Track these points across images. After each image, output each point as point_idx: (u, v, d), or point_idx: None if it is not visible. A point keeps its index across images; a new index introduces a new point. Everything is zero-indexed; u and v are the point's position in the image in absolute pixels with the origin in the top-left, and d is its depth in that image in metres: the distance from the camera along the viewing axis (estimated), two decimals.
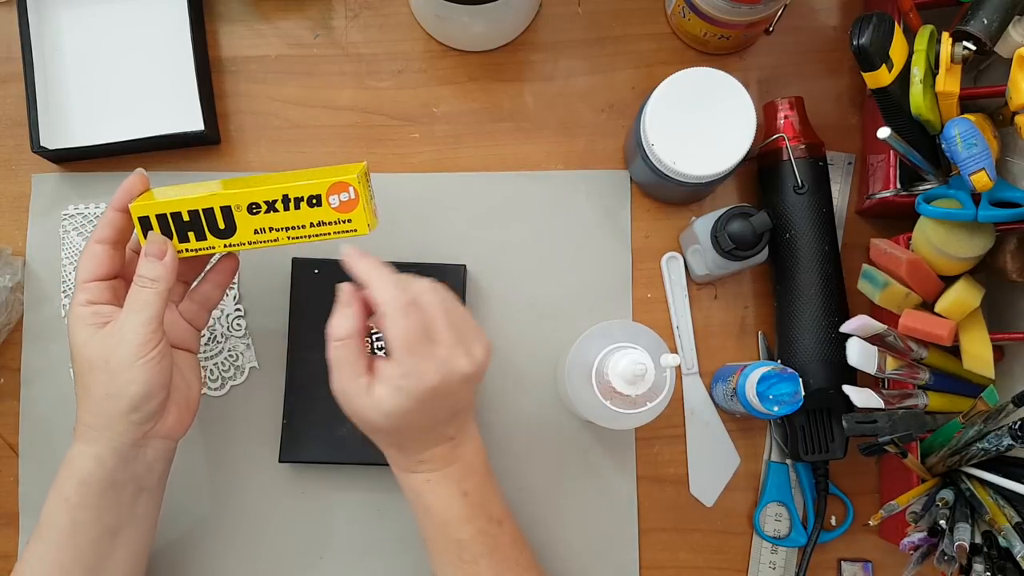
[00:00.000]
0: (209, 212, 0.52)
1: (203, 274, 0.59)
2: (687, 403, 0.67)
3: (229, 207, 0.52)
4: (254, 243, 0.53)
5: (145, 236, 0.53)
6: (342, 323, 0.51)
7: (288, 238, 0.53)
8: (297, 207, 0.52)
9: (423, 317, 0.49)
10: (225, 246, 0.53)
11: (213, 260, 0.60)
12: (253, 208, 0.52)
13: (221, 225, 0.53)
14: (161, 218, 0.53)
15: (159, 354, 0.51)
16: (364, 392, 0.50)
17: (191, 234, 0.53)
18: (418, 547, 0.65)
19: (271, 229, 0.53)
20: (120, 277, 0.54)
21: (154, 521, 0.57)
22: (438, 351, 0.49)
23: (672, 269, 0.68)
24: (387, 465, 0.63)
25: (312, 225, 0.52)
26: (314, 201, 0.52)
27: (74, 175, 0.68)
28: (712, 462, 0.67)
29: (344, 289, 0.52)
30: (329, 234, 0.53)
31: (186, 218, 0.52)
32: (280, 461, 0.64)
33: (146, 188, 0.55)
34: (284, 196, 0.52)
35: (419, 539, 0.65)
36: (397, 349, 0.49)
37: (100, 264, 0.52)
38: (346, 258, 0.52)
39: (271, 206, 0.52)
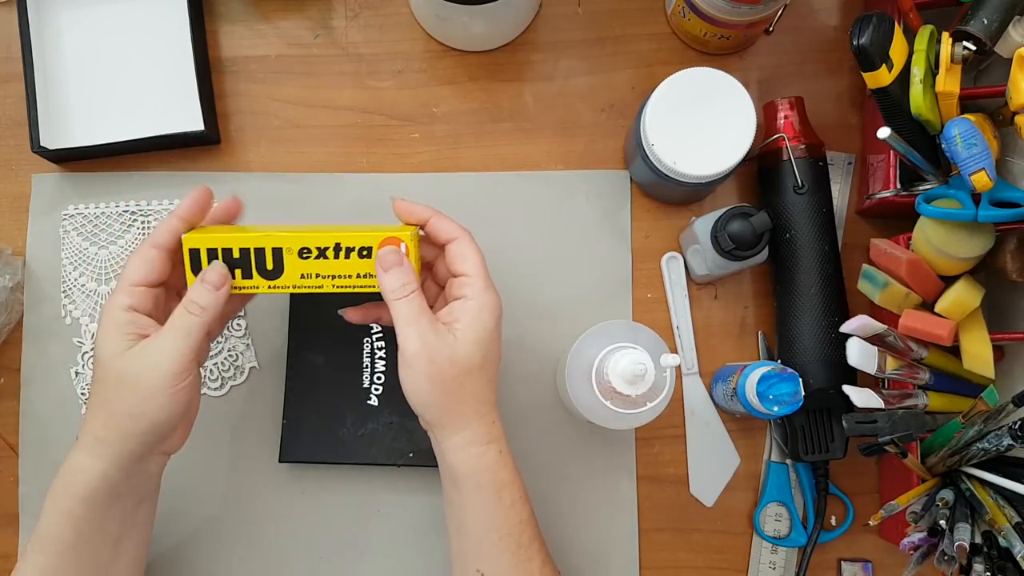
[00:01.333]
0: (260, 252, 0.52)
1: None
2: (687, 403, 0.67)
3: (280, 249, 0.52)
4: (298, 287, 0.53)
5: (192, 269, 0.52)
6: (402, 277, 0.51)
7: (333, 286, 0.53)
8: (347, 256, 0.52)
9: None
10: (269, 287, 0.53)
11: None
12: (304, 252, 0.52)
13: (269, 266, 0.53)
14: (211, 252, 0.52)
15: (191, 384, 0.50)
16: (446, 334, 0.51)
17: (238, 271, 0.53)
18: (418, 547, 0.65)
19: (318, 276, 0.53)
20: (164, 287, 0.53)
21: (151, 526, 0.56)
22: (492, 285, 0.53)
23: (672, 269, 0.68)
24: (387, 465, 0.64)
25: (359, 276, 0.53)
26: (364, 253, 0.52)
27: (74, 175, 0.68)
28: (712, 462, 0.67)
29: (391, 249, 0.52)
30: (373, 286, 0.53)
31: (236, 255, 0.52)
32: (280, 461, 0.64)
33: (211, 202, 0.54)
34: (336, 244, 0.52)
35: (418, 539, 0.65)
36: (478, 276, 0.52)
37: (152, 269, 0.51)
38: (400, 202, 0.54)
39: (322, 252, 0.52)
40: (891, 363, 0.57)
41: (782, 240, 0.63)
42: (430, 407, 0.52)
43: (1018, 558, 0.51)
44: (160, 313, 0.52)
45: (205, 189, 0.54)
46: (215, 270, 0.52)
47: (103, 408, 0.50)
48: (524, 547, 0.53)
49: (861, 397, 0.56)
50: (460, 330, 0.51)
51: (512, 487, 0.53)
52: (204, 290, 0.51)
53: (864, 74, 0.55)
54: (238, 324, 0.67)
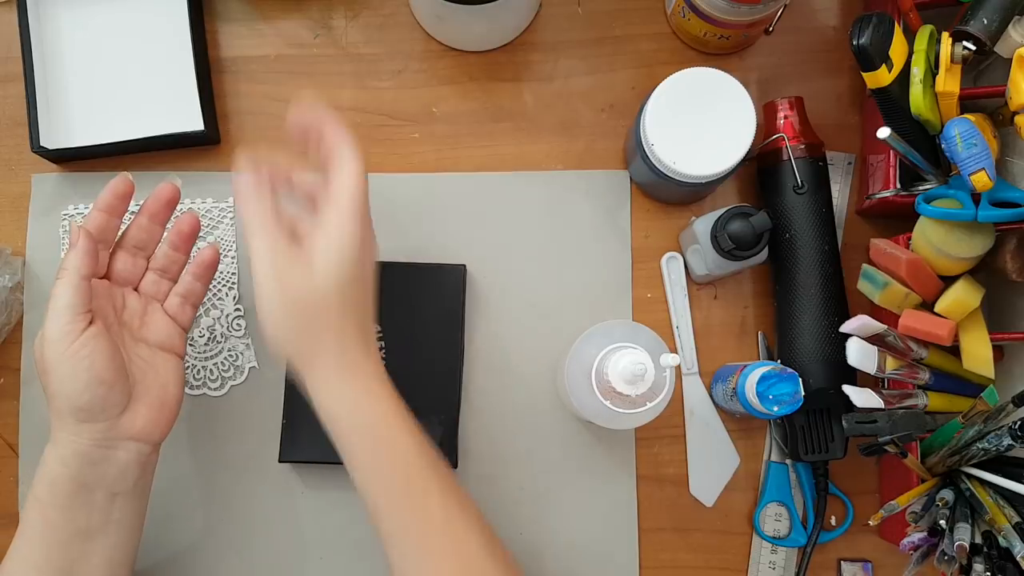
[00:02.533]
0: None
1: (186, 267, 0.59)
2: (687, 403, 0.67)
3: None
4: None
5: None
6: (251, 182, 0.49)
7: None
8: None
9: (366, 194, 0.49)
10: None
11: (193, 253, 0.59)
12: None
13: None
14: None
15: (83, 347, 0.49)
16: (297, 257, 0.48)
17: None
18: None
19: None
20: (104, 279, 0.54)
21: (136, 528, 0.55)
22: (371, 231, 0.50)
23: (672, 269, 0.68)
24: None
25: None
26: None
27: (74, 175, 0.68)
28: (712, 462, 0.67)
29: (243, 155, 0.51)
30: None
31: None
32: (280, 461, 0.64)
33: (131, 191, 0.55)
34: None
35: None
36: (349, 208, 0.48)
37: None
38: (301, 105, 0.50)
39: None
40: (891, 363, 0.57)
41: (782, 240, 0.63)
42: (287, 339, 0.49)
43: (1018, 558, 0.51)
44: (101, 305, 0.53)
45: (122, 177, 0.54)
46: (71, 230, 0.52)
47: (47, 399, 0.51)
48: (413, 483, 0.49)
49: (861, 397, 0.56)
50: (318, 258, 0.48)
51: (386, 421, 0.50)
52: (67, 253, 0.51)
53: (864, 74, 0.55)
54: (238, 324, 0.67)
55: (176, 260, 0.58)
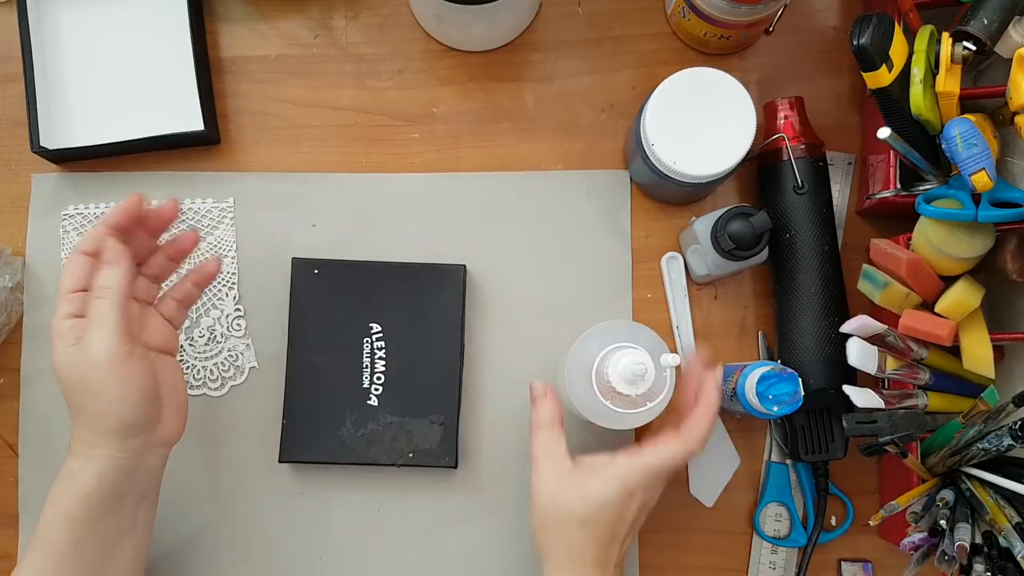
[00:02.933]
0: None
1: (187, 275, 0.59)
2: None
3: None
4: None
5: None
6: (546, 410, 0.56)
7: None
8: None
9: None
10: None
11: (196, 263, 0.59)
12: None
13: None
14: None
15: (134, 369, 0.50)
16: (572, 477, 0.54)
17: None
18: (418, 547, 0.65)
19: None
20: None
21: (152, 524, 0.56)
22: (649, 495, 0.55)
23: (672, 269, 0.67)
24: (387, 464, 0.64)
25: None
26: None
27: (74, 175, 0.68)
28: (712, 462, 0.67)
29: (537, 386, 0.57)
30: None
31: None
32: (280, 461, 0.64)
33: (143, 210, 0.54)
34: None
35: (418, 539, 0.65)
36: (644, 464, 0.53)
37: (84, 274, 0.51)
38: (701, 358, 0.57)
39: None
40: (891, 363, 0.57)
41: (782, 240, 0.63)
42: (535, 532, 0.55)
43: (1018, 558, 0.51)
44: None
45: (136, 197, 0.54)
46: (109, 248, 0.51)
47: (79, 415, 0.51)
48: None
49: (861, 397, 0.56)
50: (590, 483, 0.53)
51: None
52: (104, 271, 0.51)
53: (864, 74, 0.55)
54: (238, 324, 0.67)
55: (169, 268, 0.59)
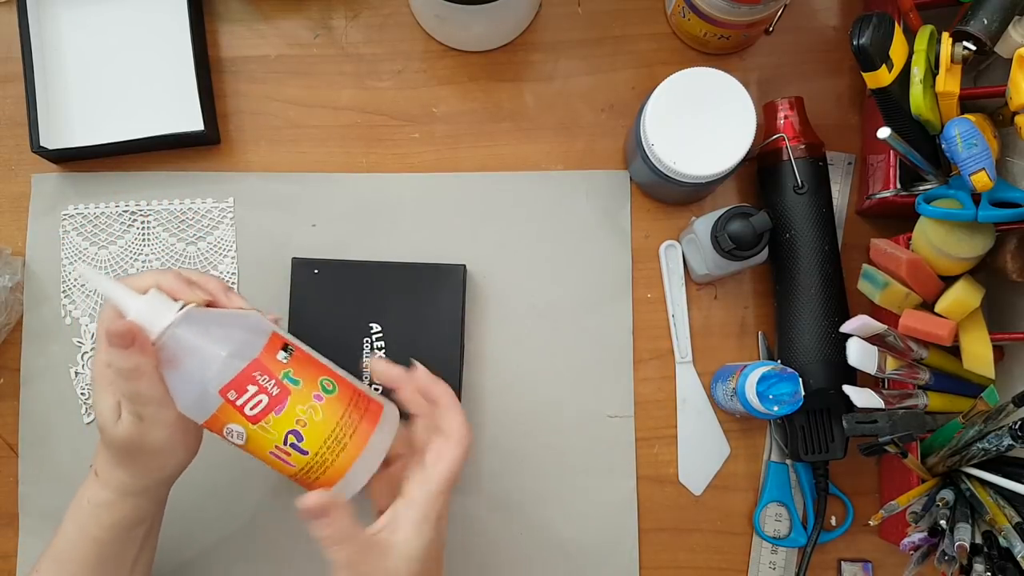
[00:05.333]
0: None
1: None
2: (680, 392, 0.67)
3: None
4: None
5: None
6: (335, 529, 0.46)
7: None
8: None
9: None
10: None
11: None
12: None
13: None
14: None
15: (189, 433, 0.51)
16: (378, 553, 0.47)
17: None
18: None
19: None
20: None
21: (160, 527, 0.58)
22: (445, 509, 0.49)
23: (670, 257, 0.67)
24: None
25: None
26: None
27: (74, 175, 0.68)
28: (701, 451, 0.67)
29: (318, 494, 0.46)
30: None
31: None
32: None
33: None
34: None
35: None
36: (441, 483, 0.48)
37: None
38: (421, 377, 0.52)
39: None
40: (891, 363, 0.57)
41: (782, 240, 0.63)
42: None
43: (1018, 558, 0.51)
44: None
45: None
46: (134, 339, 0.46)
47: (123, 465, 0.50)
48: None
49: (861, 397, 0.56)
50: (397, 543, 0.47)
51: None
52: (120, 354, 0.46)
53: (864, 74, 0.55)
54: None
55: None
